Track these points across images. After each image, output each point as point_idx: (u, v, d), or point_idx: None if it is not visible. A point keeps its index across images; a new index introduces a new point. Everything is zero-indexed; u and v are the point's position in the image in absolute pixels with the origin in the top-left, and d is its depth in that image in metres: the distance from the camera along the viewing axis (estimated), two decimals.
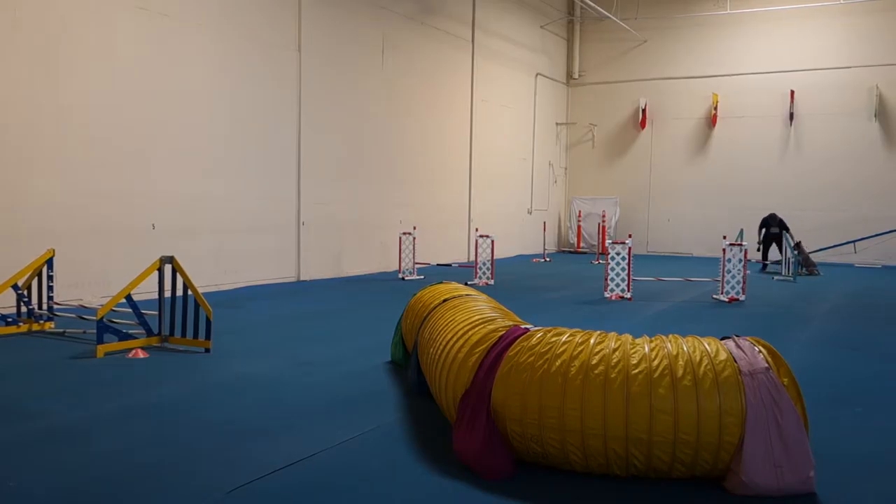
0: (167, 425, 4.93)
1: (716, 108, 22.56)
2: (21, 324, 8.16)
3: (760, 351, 3.97)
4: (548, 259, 20.95)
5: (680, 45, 23.16)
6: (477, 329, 4.65)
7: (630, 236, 13.16)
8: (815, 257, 19.10)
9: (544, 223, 21.99)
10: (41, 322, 8.31)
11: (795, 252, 16.29)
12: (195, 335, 7.31)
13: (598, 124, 24.55)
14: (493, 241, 14.15)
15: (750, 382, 3.79)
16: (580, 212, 23.95)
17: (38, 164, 9.73)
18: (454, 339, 4.71)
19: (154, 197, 11.20)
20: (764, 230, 18.41)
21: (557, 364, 4.03)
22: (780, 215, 18.59)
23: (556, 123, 24.42)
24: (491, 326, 4.63)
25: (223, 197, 12.35)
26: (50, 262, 8.35)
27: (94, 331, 7.08)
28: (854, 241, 20.11)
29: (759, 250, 18.53)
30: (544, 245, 21.48)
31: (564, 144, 25.13)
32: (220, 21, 12.18)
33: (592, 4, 20.68)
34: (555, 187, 24.58)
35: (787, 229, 17.74)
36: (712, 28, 22.60)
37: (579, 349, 4.07)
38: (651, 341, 4.11)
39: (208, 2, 11.98)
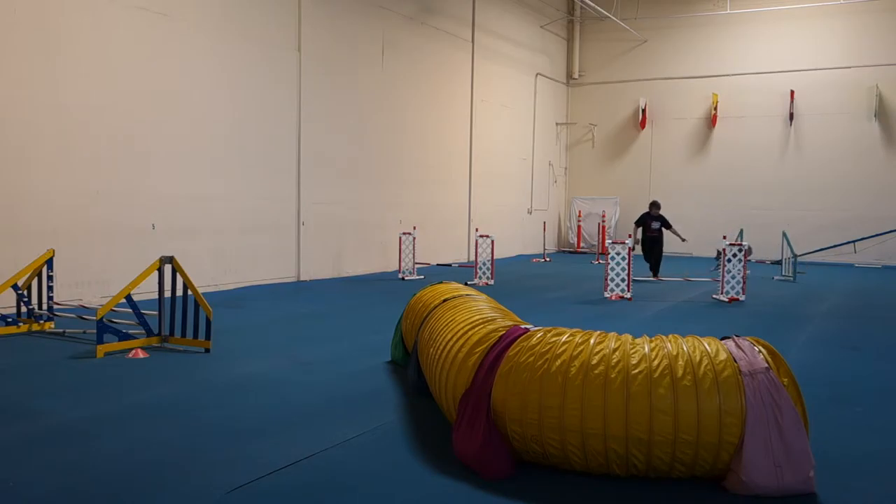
0: (167, 425, 4.93)
1: (716, 108, 22.55)
2: (21, 324, 8.16)
3: (760, 351, 3.97)
4: (548, 259, 20.94)
5: (680, 45, 23.16)
6: (477, 329, 4.65)
7: (630, 236, 13.18)
8: (815, 257, 19.10)
9: (544, 223, 21.99)
10: (41, 322, 8.31)
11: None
12: (195, 335, 7.31)
13: (598, 124, 24.54)
14: (493, 241, 14.15)
15: (750, 382, 3.79)
16: (580, 212, 23.95)
17: (38, 164, 9.72)
18: (454, 339, 4.71)
19: (154, 197, 11.19)
20: (640, 228, 15.17)
21: (557, 364, 4.03)
22: (662, 209, 15.33)
23: (556, 123, 24.41)
24: (491, 326, 4.63)
25: (223, 197, 12.34)
26: (50, 262, 8.35)
27: (94, 331, 7.08)
28: (854, 241, 20.11)
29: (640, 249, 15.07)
30: (544, 245, 21.49)
31: (564, 144, 25.12)
32: (220, 21, 12.17)
33: (592, 4, 20.67)
34: (555, 187, 24.57)
35: (670, 226, 15.04)
36: (712, 28, 22.60)
37: (579, 349, 4.07)
38: (651, 341, 4.11)
39: (208, 2, 11.97)
